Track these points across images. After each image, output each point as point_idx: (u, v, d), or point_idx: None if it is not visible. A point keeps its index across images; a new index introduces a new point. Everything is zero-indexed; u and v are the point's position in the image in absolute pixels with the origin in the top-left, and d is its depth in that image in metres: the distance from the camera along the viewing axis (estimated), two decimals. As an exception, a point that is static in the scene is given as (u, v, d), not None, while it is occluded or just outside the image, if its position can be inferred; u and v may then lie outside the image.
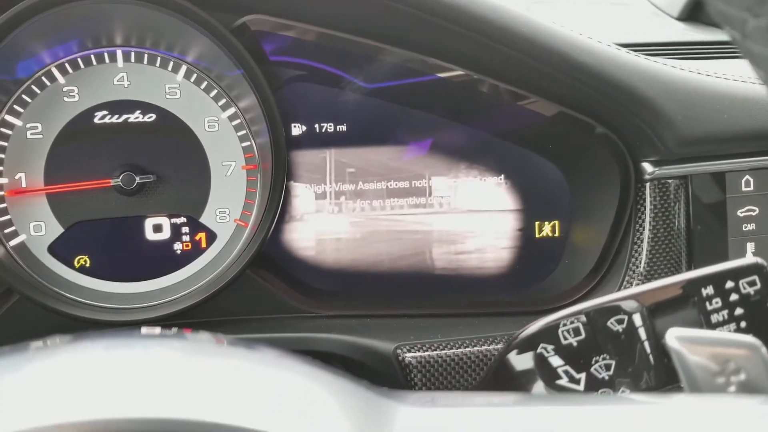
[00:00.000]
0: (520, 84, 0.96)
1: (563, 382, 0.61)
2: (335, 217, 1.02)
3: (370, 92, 1.00)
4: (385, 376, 0.87)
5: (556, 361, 0.62)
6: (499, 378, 0.65)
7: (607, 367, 0.62)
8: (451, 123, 1.03)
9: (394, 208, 1.04)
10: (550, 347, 0.62)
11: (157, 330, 0.49)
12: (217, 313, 0.96)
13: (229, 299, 0.95)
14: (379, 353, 0.87)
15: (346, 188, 1.02)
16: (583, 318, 0.64)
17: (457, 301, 1.03)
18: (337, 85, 0.99)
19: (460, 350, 0.87)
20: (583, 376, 0.61)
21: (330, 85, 0.99)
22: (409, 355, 0.86)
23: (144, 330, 0.85)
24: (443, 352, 0.87)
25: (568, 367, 0.62)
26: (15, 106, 0.90)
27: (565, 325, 0.64)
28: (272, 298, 0.99)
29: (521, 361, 0.63)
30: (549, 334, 0.63)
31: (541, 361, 0.62)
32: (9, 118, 0.90)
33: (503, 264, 1.06)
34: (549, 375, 0.61)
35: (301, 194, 1.01)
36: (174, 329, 0.51)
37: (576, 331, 0.63)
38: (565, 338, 0.63)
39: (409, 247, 1.05)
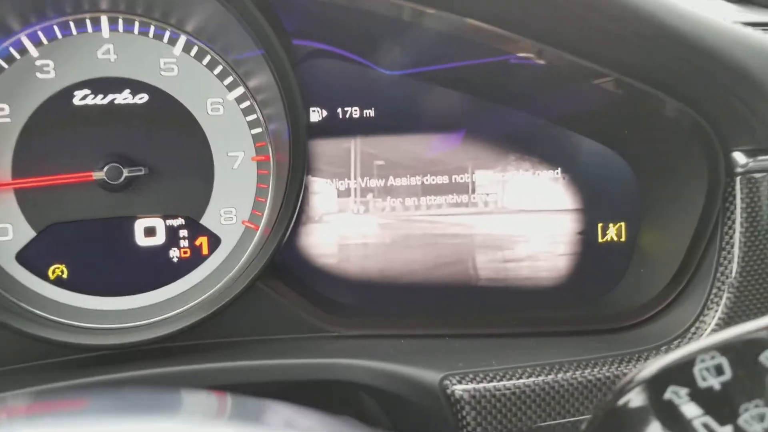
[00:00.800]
0: (592, 57, 0.79)
1: (702, 439, 0.42)
2: (361, 218, 0.87)
3: (404, 72, 0.85)
4: (428, 412, 0.70)
5: (691, 410, 0.44)
6: (605, 432, 0.47)
7: (761, 418, 0.45)
8: (499, 107, 0.88)
9: (431, 208, 0.88)
10: (683, 391, 0.45)
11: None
12: (221, 334, 0.80)
13: (236, 317, 0.80)
14: (422, 385, 0.70)
15: (373, 184, 0.87)
16: (728, 351, 0.46)
17: (508, 319, 0.87)
18: (364, 63, 0.84)
19: (521, 381, 0.71)
20: (728, 430, 0.44)
21: (356, 63, 0.84)
22: (459, 387, 0.70)
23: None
24: (501, 383, 0.70)
25: (708, 418, 0.44)
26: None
27: (703, 360, 0.46)
28: (287, 315, 0.83)
29: (638, 412, 0.46)
30: (680, 373, 0.46)
31: (670, 410, 0.44)
32: (-32, 97, 0.75)
33: (560, 273, 0.91)
34: (680, 429, 0.43)
35: (321, 191, 0.86)
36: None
37: (718, 370, 0.46)
38: (704, 379, 0.45)
39: (449, 254, 0.89)
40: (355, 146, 0.86)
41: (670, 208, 0.88)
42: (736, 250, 0.82)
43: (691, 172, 0.84)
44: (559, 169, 0.90)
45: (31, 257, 0.78)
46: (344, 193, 0.86)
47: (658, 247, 0.89)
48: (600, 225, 0.91)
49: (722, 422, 0.44)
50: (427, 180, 0.88)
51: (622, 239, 0.91)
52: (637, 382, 0.46)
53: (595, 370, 0.74)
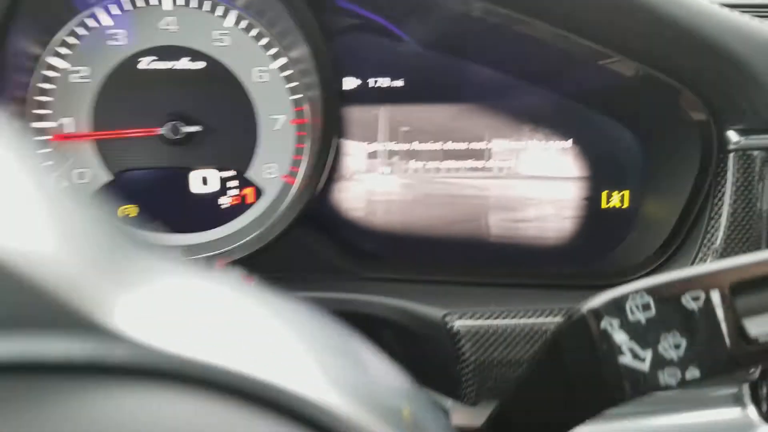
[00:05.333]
0: (601, 40, 0.87)
1: (626, 359, 0.55)
2: (387, 178, 0.97)
3: (431, 46, 0.94)
4: (432, 342, 0.82)
5: (620, 337, 0.56)
6: (553, 351, 0.59)
7: (677, 346, 0.56)
8: (517, 82, 0.96)
9: (450, 171, 0.98)
10: (615, 322, 0.56)
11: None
12: (261, 270, 0.92)
13: (274, 257, 0.91)
14: (428, 319, 0.82)
15: (399, 147, 0.97)
16: (654, 293, 0.56)
17: (513, 271, 0.97)
18: (394, 36, 0.94)
19: (514, 321, 0.81)
20: (648, 353, 0.55)
21: (387, 37, 0.94)
22: (458, 323, 0.81)
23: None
24: (495, 321, 0.81)
25: (633, 344, 0.56)
26: (59, 49, 0.88)
27: (633, 299, 0.57)
28: (318, 258, 0.95)
29: (580, 336, 0.57)
30: (615, 308, 0.57)
31: (604, 336, 0.55)
32: (54, 60, 0.88)
33: (565, 235, 0.99)
34: (611, 351, 0.55)
35: (352, 152, 0.97)
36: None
37: (645, 307, 0.57)
38: (632, 313, 0.56)
39: (464, 213, 0.99)
40: (383, 113, 0.96)
41: (669, 179, 0.96)
42: (723, 221, 0.90)
43: (689, 148, 0.92)
44: (571, 140, 0.98)
45: (105, 198, 0.92)
46: (372, 155, 0.97)
47: (655, 214, 0.97)
48: (605, 192, 1.00)
49: (644, 347, 0.54)
50: (447, 146, 0.98)
51: (625, 206, 1.00)
52: (582, 312, 0.56)
53: (582, 317, 0.85)
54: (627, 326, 0.54)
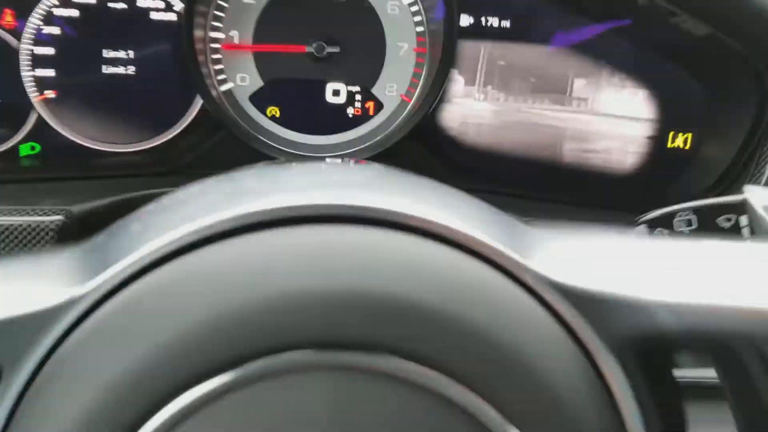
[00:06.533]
0: (677, 2, 1.02)
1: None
2: (480, 104, 1.15)
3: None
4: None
5: (667, 243, 0.74)
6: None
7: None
8: (605, 32, 1.12)
9: (536, 102, 1.15)
10: (665, 232, 0.74)
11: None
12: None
13: (388, 163, 1.11)
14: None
15: (493, 79, 1.14)
16: (697, 212, 0.74)
17: (585, 194, 1.15)
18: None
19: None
20: None
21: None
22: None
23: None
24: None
25: None
26: (238, -29, 1.07)
27: (680, 215, 0.75)
28: (421, 167, 1.14)
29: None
30: (666, 221, 0.75)
31: (656, 241, 0.74)
32: (232, -19, 1.07)
33: (632, 168, 1.16)
34: None
35: (456, 79, 1.14)
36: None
37: (688, 222, 0.74)
38: (678, 226, 0.74)
39: (543, 140, 1.16)
40: (485, 48, 1.13)
41: (728, 125, 1.11)
42: (768, 166, 1.06)
43: (748, 96, 1.07)
44: (644, 85, 1.14)
45: (258, 99, 1.12)
46: (470, 83, 1.14)
47: (712, 154, 1.13)
48: (671, 133, 1.16)
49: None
50: (535, 80, 1.15)
51: (687, 147, 1.16)
52: (639, 223, 0.76)
53: (637, 233, 1.04)
54: (673, 236, 0.73)
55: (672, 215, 0.78)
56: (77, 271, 0.34)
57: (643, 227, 0.77)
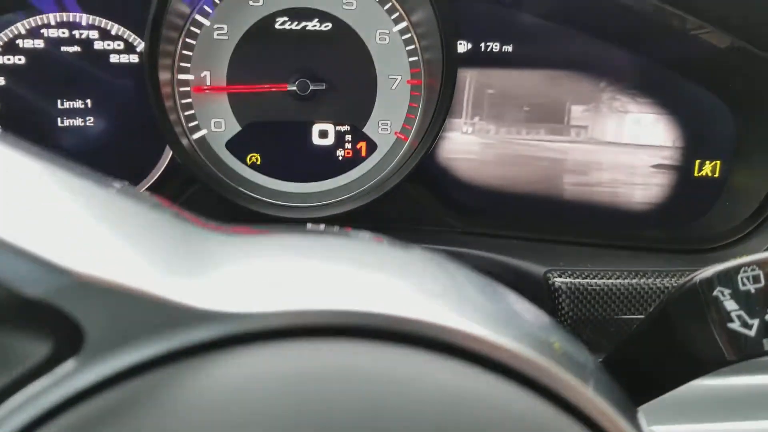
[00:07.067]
0: (695, 11, 0.91)
1: (735, 326, 0.62)
2: (467, 138, 1.02)
3: (541, 13, 0.99)
4: (530, 298, 0.90)
5: (731, 305, 0.63)
6: (664, 315, 0.67)
7: (783, 317, 0.62)
8: (616, 50, 1.00)
9: (530, 133, 1.03)
10: (726, 291, 0.63)
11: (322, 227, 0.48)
12: (372, 220, 1.01)
13: (385, 208, 0.99)
14: (530, 276, 0.90)
15: (482, 110, 1.02)
16: (764, 267, 0.63)
17: (605, 233, 1.03)
18: (504, 2, 0.98)
19: (611, 281, 0.89)
20: (756, 322, 0.62)
21: (497, 3, 0.98)
22: (559, 280, 0.89)
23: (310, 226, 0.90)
24: (594, 281, 0.89)
25: (742, 312, 0.63)
26: (205, 7, 0.95)
27: (745, 271, 0.63)
28: (426, 211, 1.03)
29: (691, 302, 0.64)
30: (727, 278, 0.63)
31: (715, 303, 0.63)
32: (199, 18, 0.95)
33: (658, 200, 1.05)
34: (721, 318, 0.63)
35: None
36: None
37: (756, 279, 0.63)
38: (744, 284, 0.63)
39: (541, 174, 1.05)
40: (470, 75, 1.01)
41: (760, 150, 1.00)
42: (813, 194, 0.95)
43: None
44: (664, 109, 1.02)
45: (236, 146, 1.01)
46: (456, 114, 1.01)
47: (744, 184, 1.02)
48: (697, 161, 1.04)
49: (752, 316, 0.61)
50: (531, 109, 1.02)
51: (716, 175, 1.04)
52: (696, 281, 0.63)
53: (674, 279, 0.91)
54: (737, 295, 0.61)
55: (735, 271, 0.65)
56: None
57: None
